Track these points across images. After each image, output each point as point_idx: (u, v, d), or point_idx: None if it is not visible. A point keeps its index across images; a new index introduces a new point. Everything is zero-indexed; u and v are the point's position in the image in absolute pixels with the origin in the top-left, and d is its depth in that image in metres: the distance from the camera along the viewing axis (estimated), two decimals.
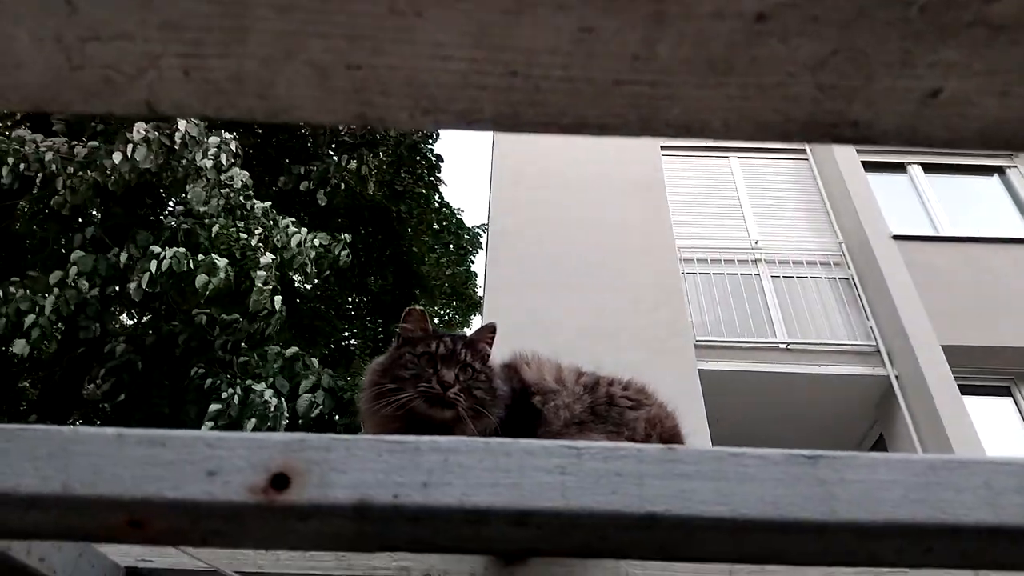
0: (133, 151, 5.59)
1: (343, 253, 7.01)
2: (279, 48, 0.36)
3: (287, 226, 6.58)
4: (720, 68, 0.37)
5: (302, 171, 8.86)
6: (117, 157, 5.58)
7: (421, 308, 1.36)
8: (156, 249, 5.40)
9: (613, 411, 1.17)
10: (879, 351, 6.40)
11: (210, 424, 5.17)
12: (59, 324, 5.30)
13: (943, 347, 6.02)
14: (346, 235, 7.28)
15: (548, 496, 0.51)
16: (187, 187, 6.20)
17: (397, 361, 1.26)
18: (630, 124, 0.40)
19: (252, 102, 0.38)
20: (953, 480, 0.54)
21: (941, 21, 0.35)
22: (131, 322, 8.30)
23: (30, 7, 0.34)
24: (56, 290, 5.06)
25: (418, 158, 10.41)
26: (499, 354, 1.35)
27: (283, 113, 0.39)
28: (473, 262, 12.30)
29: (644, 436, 1.14)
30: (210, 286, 5.24)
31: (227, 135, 6.40)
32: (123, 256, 5.75)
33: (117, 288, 6.13)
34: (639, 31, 0.35)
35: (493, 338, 1.33)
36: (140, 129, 5.56)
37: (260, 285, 5.59)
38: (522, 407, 1.20)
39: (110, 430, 0.52)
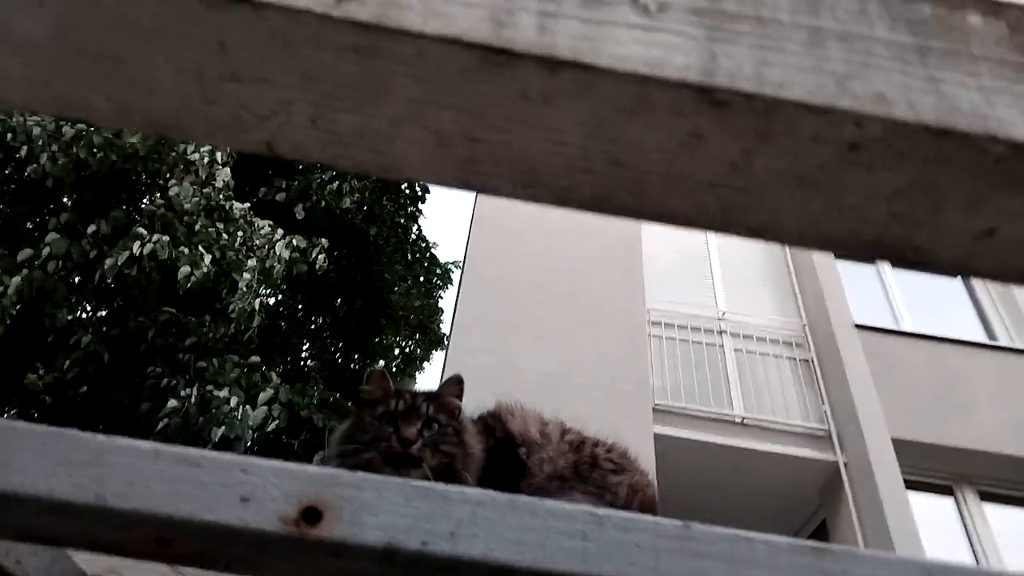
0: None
1: (320, 257, 6.94)
2: (407, 112, 0.38)
3: (263, 227, 6.53)
4: (807, 185, 0.40)
5: (284, 184, 8.83)
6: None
7: (382, 369, 1.31)
8: (142, 231, 5.32)
9: (596, 473, 1.18)
10: (830, 436, 6.50)
11: (165, 420, 5.05)
12: (17, 308, 5.17)
13: (893, 439, 6.14)
14: (324, 240, 7.22)
15: (569, 560, 0.53)
16: (170, 183, 6.15)
17: (358, 426, 1.21)
18: (714, 221, 0.43)
19: (367, 156, 0.40)
20: None
21: (1011, 171, 0.39)
22: (86, 315, 8.11)
23: (182, 41, 0.36)
24: (24, 271, 4.94)
25: (403, 187, 10.45)
26: (466, 399, 1.32)
27: (394, 170, 0.41)
28: (442, 297, 12.28)
29: (625, 502, 1.15)
30: (192, 279, 5.17)
31: None
32: (90, 229, 5.62)
33: (78, 278, 6.01)
34: (742, 143, 0.38)
35: (461, 390, 1.28)
36: None
37: (244, 289, 5.53)
38: (506, 457, 1.21)
39: (146, 444, 0.52)
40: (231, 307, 5.58)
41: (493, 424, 1.25)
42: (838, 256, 7.72)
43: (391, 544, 0.50)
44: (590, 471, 1.18)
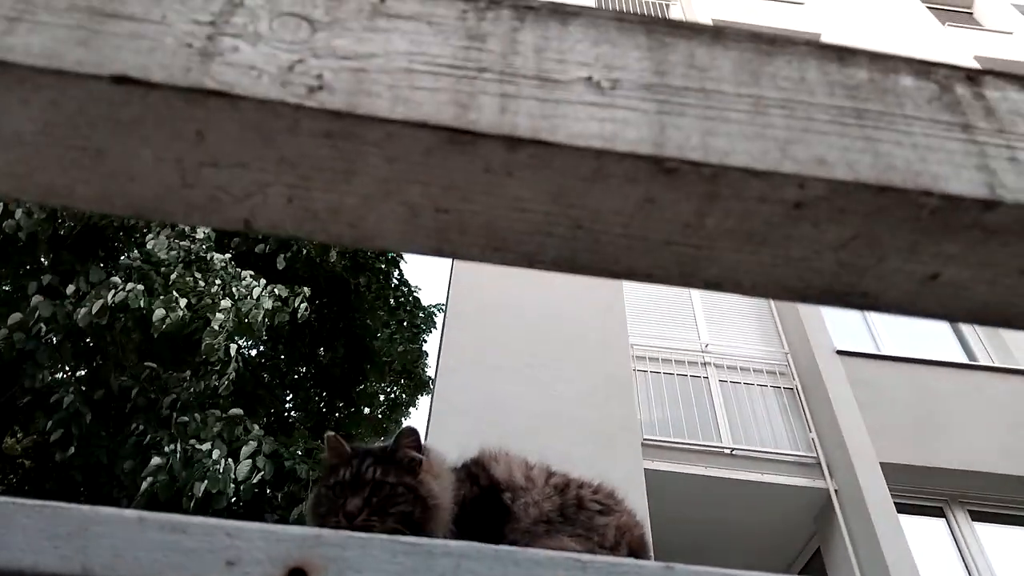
0: None
1: (302, 306, 6.93)
2: (380, 189, 0.40)
3: (245, 277, 6.53)
4: (756, 240, 0.43)
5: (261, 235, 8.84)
6: None
7: (335, 435, 1.31)
8: (116, 280, 5.32)
9: (582, 515, 1.19)
10: (820, 463, 6.51)
11: (150, 479, 4.97)
12: None
13: (881, 463, 6.16)
14: (305, 288, 7.22)
15: None
16: (147, 237, 6.15)
17: (317, 499, 1.23)
18: (672, 276, 0.45)
19: (343, 230, 0.42)
20: None
21: (946, 221, 0.41)
22: (62, 375, 7.99)
23: (161, 132, 0.38)
24: (4, 330, 4.90)
25: None
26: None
27: (368, 241, 0.43)
28: (426, 341, 12.25)
29: (613, 543, 1.15)
30: (167, 321, 5.15)
31: None
32: (70, 289, 5.60)
33: (58, 338, 5.94)
34: (693, 204, 0.41)
35: (417, 441, 1.28)
36: None
37: (215, 327, 5.49)
38: (491, 504, 1.21)
39: (131, 513, 0.53)
40: (203, 345, 5.55)
41: (476, 472, 1.25)
42: None
43: None
44: (576, 513, 1.18)
